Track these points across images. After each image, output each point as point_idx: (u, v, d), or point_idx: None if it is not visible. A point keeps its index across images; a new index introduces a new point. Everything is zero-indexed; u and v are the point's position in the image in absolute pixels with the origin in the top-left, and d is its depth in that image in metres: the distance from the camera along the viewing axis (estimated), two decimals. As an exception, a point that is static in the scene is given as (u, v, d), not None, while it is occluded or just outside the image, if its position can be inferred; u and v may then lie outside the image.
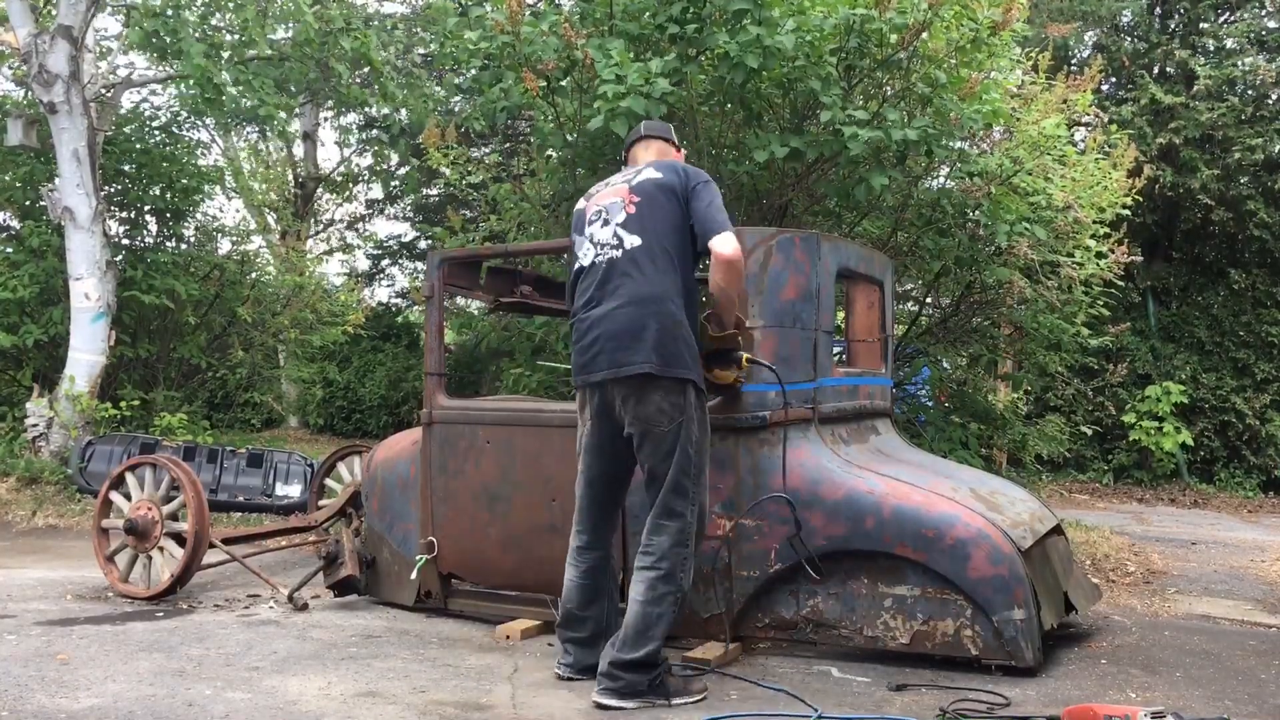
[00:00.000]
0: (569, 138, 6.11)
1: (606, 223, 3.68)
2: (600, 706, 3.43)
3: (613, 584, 3.90)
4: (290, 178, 16.82)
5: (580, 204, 3.88)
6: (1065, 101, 6.55)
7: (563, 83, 5.86)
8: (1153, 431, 10.76)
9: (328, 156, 23.81)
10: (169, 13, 8.87)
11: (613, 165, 6.31)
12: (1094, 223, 6.51)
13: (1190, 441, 10.85)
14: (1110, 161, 6.90)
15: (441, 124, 7.63)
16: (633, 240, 3.60)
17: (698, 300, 3.77)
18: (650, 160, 3.87)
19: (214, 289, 11.12)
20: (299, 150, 16.67)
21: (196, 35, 8.87)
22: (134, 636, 4.27)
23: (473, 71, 6.38)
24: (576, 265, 3.76)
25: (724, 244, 3.51)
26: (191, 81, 8.86)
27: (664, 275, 3.56)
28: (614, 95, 5.22)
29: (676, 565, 3.55)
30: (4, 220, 10.87)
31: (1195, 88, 10.85)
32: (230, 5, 9.36)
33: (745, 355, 3.85)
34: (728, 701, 3.53)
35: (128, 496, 5.25)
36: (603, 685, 3.47)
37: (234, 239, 12.35)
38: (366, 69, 10.15)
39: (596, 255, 3.67)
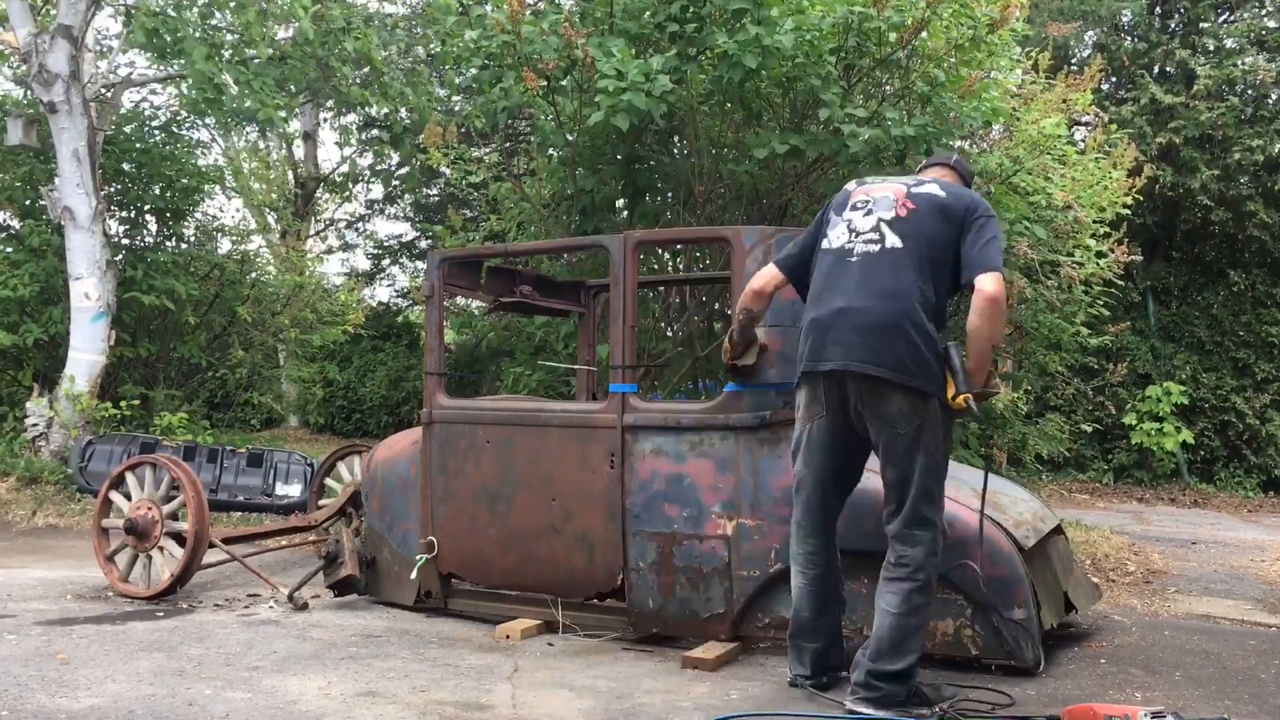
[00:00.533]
0: (569, 137, 6.11)
1: (870, 213, 3.54)
2: (854, 714, 3.36)
3: (842, 586, 3.76)
4: (290, 177, 16.83)
5: (849, 186, 3.74)
6: (1065, 101, 6.55)
7: (563, 82, 5.86)
8: (1153, 432, 10.76)
9: (328, 156, 23.82)
10: (170, 12, 8.87)
11: (614, 164, 6.31)
12: (1094, 222, 6.51)
13: (1191, 440, 10.85)
14: (1110, 161, 6.90)
15: (442, 123, 7.63)
16: (894, 240, 3.46)
17: (943, 325, 3.59)
18: (939, 178, 3.71)
19: (214, 289, 11.12)
20: (299, 150, 16.68)
21: (197, 35, 8.87)
22: (134, 636, 4.27)
23: (473, 71, 6.38)
24: (823, 244, 3.61)
25: (989, 281, 3.35)
26: (192, 81, 8.86)
27: (920, 284, 3.42)
28: (614, 90, 5.22)
29: (931, 575, 3.45)
30: (4, 220, 10.88)
31: (1195, 88, 10.84)
32: (230, 5, 9.36)
33: None
34: (728, 702, 3.53)
35: (128, 496, 5.25)
36: (859, 695, 3.39)
37: (234, 239, 12.36)
38: (366, 69, 10.15)
39: (850, 242, 3.52)
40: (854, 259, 3.49)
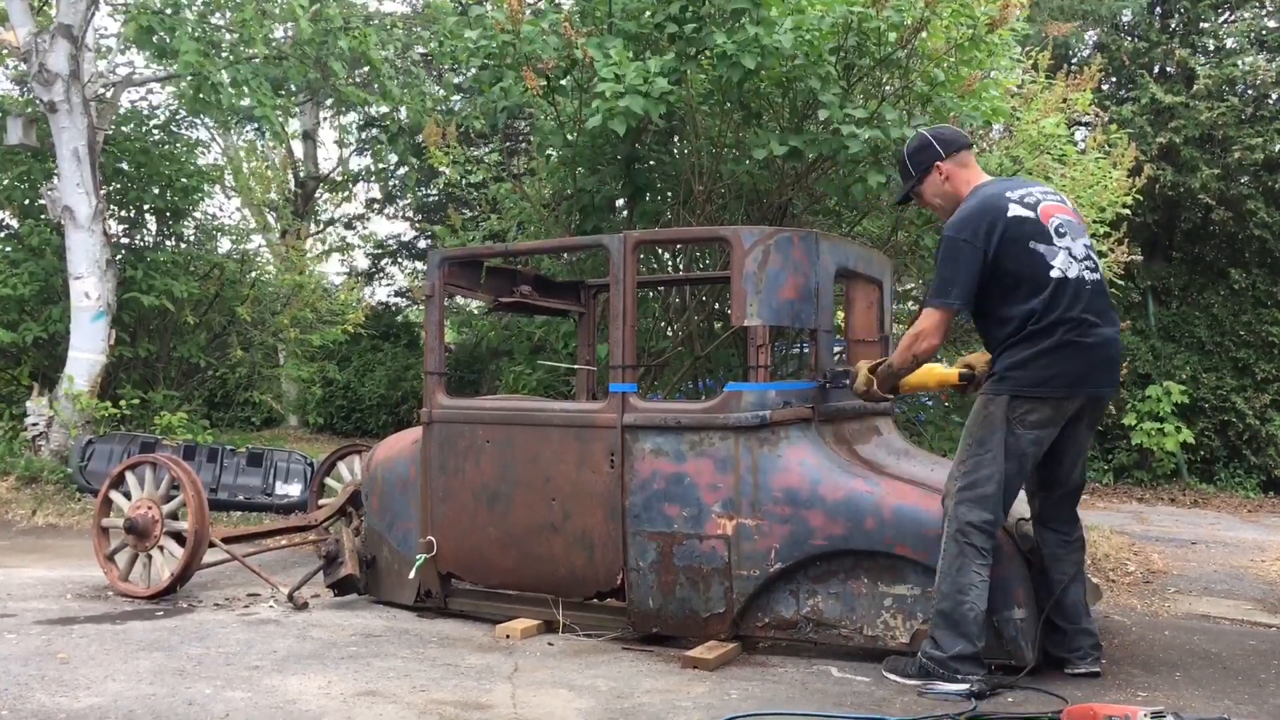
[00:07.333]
0: (569, 137, 6.11)
1: (1075, 238, 3.80)
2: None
3: None
4: (290, 177, 16.83)
5: (1017, 210, 3.76)
6: (1065, 101, 6.55)
7: (562, 82, 5.86)
8: (1154, 432, 10.74)
9: (328, 156, 23.80)
10: (167, 10, 8.86)
11: (614, 164, 6.30)
12: (1094, 222, 6.51)
13: (1192, 441, 10.84)
14: (1110, 161, 6.90)
15: (442, 123, 7.64)
16: (1098, 264, 3.88)
17: None
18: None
19: (213, 288, 11.12)
20: (299, 149, 16.66)
21: (195, 34, 8.87)
22: (134, 635, 4.27)
23: (473, 71, 6.38)
24: (1052, 273, 3.71)
25: None
26: (187, 79, 8.85)
27: None
28: (612, 94, 5.22)
29: None
30: (4, 219, 10.88)
31: (1195, 87, 10.84)
32: (228, 4, 9.35)
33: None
34: (728, 702, 3.53)
35: (128, 495, 5.25)
36: (1097, 656, 3.89)
37: (233, 238, 12.36)
38: (366, 68, 10.14)
39: (1080, 271, 3.76)
40: (1089, 286, 3.77)
